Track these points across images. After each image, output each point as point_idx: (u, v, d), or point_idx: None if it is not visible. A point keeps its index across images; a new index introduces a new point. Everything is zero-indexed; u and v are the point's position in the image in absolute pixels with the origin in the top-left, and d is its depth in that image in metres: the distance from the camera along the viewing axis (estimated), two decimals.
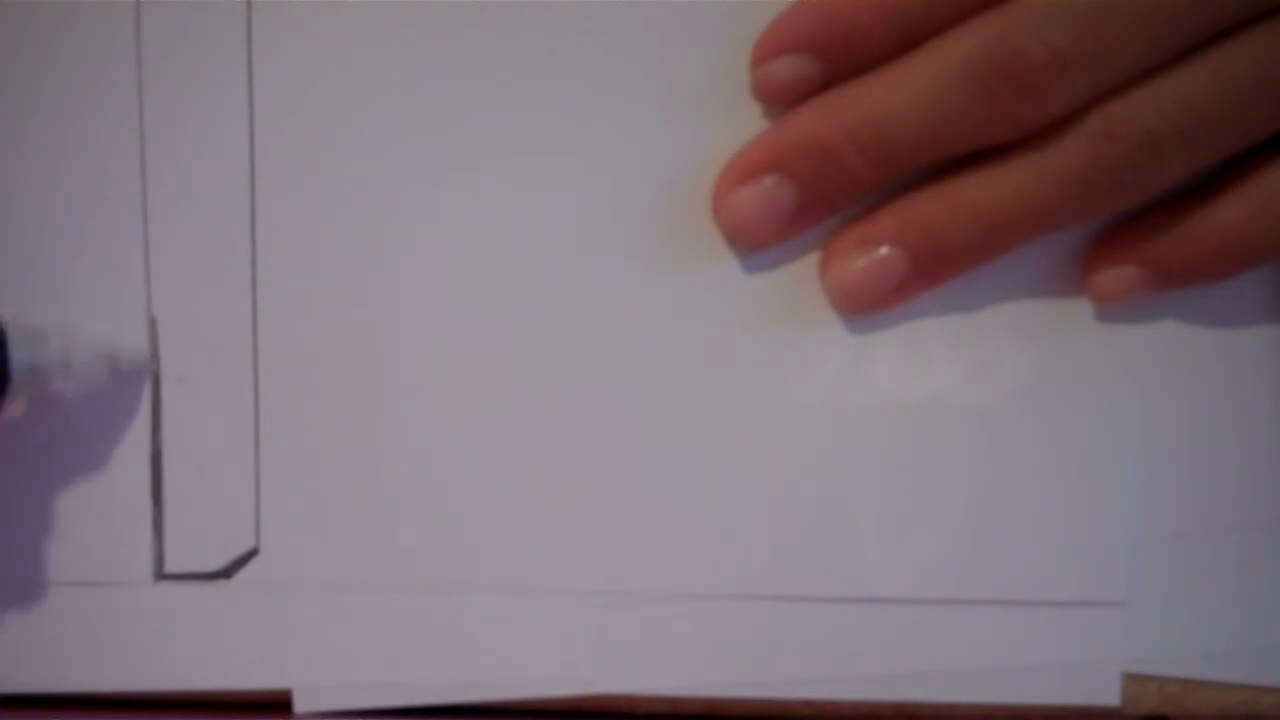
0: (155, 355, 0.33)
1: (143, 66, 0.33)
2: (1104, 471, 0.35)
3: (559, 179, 0.34)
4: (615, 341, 0.34)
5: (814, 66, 0.32)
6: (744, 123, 0.33)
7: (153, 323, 0.34)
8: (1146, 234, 0.34)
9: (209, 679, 0.34)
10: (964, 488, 0.35)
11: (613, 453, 0.34)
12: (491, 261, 0.34)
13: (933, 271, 0.33)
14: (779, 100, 0.33)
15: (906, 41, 0.32)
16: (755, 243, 0.34)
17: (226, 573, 0.34)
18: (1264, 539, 0.36)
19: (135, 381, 0.34)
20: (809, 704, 0.35)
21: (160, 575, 0.34)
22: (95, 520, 0.34)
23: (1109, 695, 0.35)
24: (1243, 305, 0.35)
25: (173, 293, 0.34)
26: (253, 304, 0.34)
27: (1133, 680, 0.36)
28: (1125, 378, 0.35)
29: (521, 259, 0.34)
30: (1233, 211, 0.33)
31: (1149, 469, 0.35)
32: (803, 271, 0.34)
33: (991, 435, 0.35)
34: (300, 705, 0.35)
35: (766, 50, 0.32)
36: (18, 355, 0.31)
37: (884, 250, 0.33)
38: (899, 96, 0.31)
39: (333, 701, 0.35)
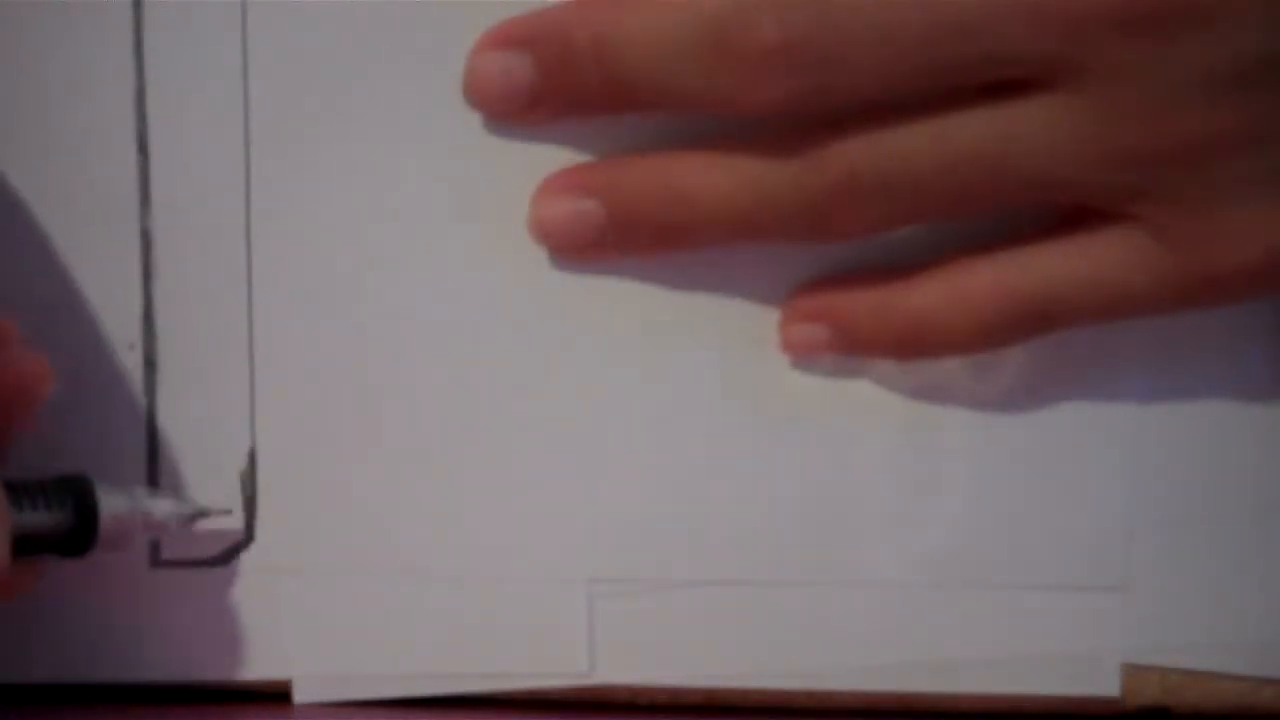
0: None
1: (145, 67, 0.33)
2: (1104, 458, 0.35)
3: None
4: (614, 327, 0.34)
5: None
6: (745, 121, 0.33)
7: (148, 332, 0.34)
8: (843, 298, 0.34)
9: (208, 668, 0.35)
10: (964, 474, 0.35)
11: (611, 439, 0.35)
12: (487, 254, 0.34)
13: (631, 241, 0.33)
14: None
15: None
16: (495, 111, 0.33)
17: (223, 559, 0.34)
18: (1267, 529, 0.35)
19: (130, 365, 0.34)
20: (809, 694, 0.35)
21: (156, 562, 0.34)
22: None
23: (1108, 686, 0.35)
24: None
25: (170, 285, 0.34)
26: (248, 293, 0.34)
27: (1132, 671, 0.35)
28: (1125, 364, 0.35)
29: (517, 250, 0.34)
30: (924, 297, 0.33)
31: (1150, 456, 0.35)
32: (807, 261, 0.34)
33: (992, 422, 0.35)
34: (300, 695, 0.35)
35: None
36: (105, 513, 0.32)
37: (588, 203, 0.33)
38: (643, 24, 0.31)
39: (332, 692, 0.35)
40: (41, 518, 0.31)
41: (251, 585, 0.35)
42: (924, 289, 0.33)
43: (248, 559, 0.34)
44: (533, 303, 0.34)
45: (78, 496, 0.31)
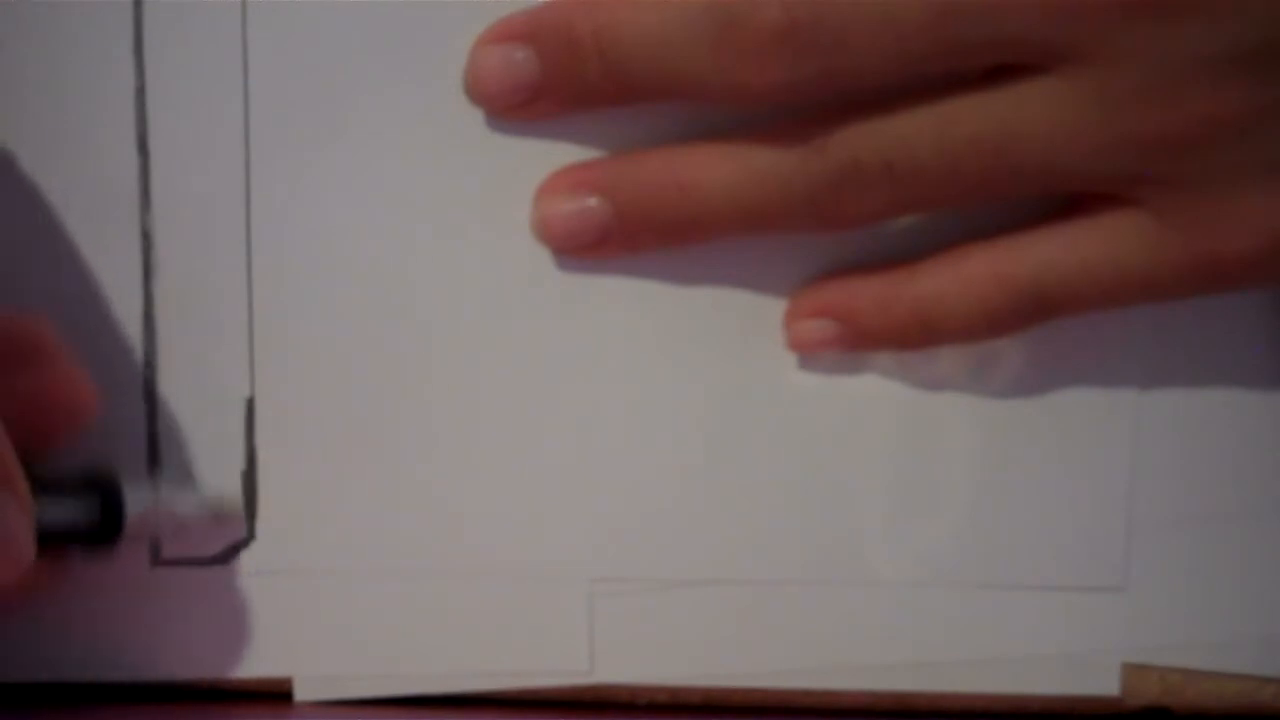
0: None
1: (145, 67, 0.33)
2: (1104, 458, 0.35)
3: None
4: (614, 326, 0.34)
5: None
6: (748, 114, 0.33)
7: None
8: (848, 291, 0.34)
9: (208, 667, 0.35)
10: (964, 474, 0.35)
11: (611, 439, 0.35)
12: (488, 253, 0.34)
13: (637, 237, 0.33)
14: None
15: None
16: (497, 107, 0.33)
17: (223, 558, 0.34)
18: (1267, 527, 0.36)
19: (129, 364, 0.34)
20: (809, 693, 0.36)
21: (156, 561, 0.34)
22: None
23: (1108, 685, 0.35)
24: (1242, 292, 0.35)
25: (170, 285, 0.34)
26: (248, 293, 0.34)
27: (1133, 670, 0.36)
28: (1125, 363, 0.35)
29: (518, 249, 0.34)
30: (926, 285, 0.33)
31: (1150, 456, 0.35)
32: (809, 259, 0.34)
33: (992, 422, 0.35)
34: (301, 693, 0.35)
35: None
36: (131, 507, 0.32)
37: (593, 201, 0.33)
38: (645, 16, 0.31)
39: (333, 690, 0.35)
40: (68, 511, 0.31)
41: (251, 585, 0.35)
42: (925, 277, 0.33)
43: (248, 558, 0.35)
44: (533, 302, 0.34)
45: (103, 491, 0.32)
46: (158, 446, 0.34)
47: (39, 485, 0.30)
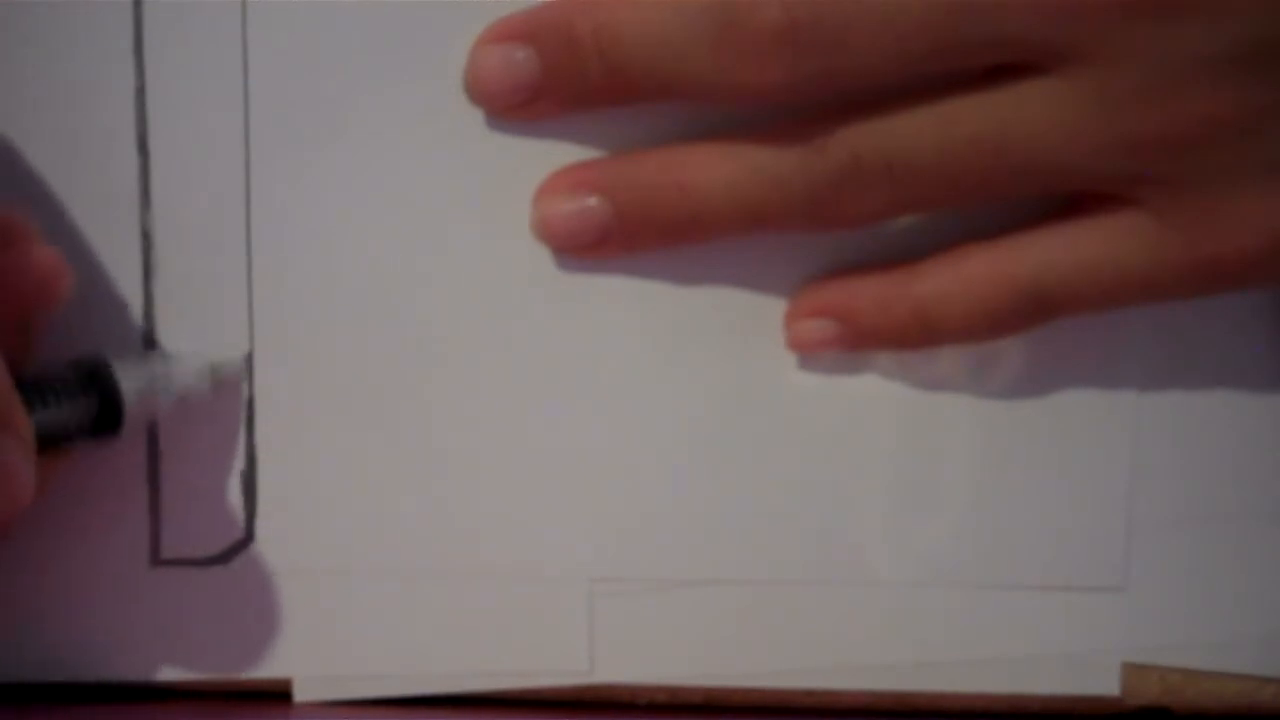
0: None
1: (145, 67, 0.33)
2: (1104, 458, 0.35)
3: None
4: (614, 326, 0.34)
5: None
6: (748, 113, 0.33)
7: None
8: (848, 291, 0.34)
9: (208, 667, 0.35)
10: (965, 474, 0.35)
11: (612, 439, 0.35)
12: (488, 253, 0.34)
13: (637, 237, 0.33)
14: None
15: None
16: (497, 107, 0.33)
17: (223, 558, 0.35)
18: (1267, 528, 0.36)
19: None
20: (809, 693, 0.36)
21: (156, 561, 0.34)
22: (91, 505, 0.34)
23: (1108, 685, 0.35)
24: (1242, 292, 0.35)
25: (170, 285, 0.34)
26: (248, 293, 0.34)
27: (1133, 670, 0.36)
28: (1125, 364, 0.35)
29: (518, 250, 0.34)
30: (927, 285, 0.33)
31: (1150, 456, 0.35)
32: (809, 260, 0.34)
33: (992, 422, 0.35)
34: (300, 694, 0.35)
35: None
36: (128, 389, 0.32)
37: (593, 201, 0.33)
38: (645, 16, 0.31)
39: (333, 691, 0.35)
40: (65, 412, 0.31)
41: (251, 585, 0.35)
42: (925, 277, 0.33)
43: (248, 558, 0.35)
44: (533, 303, 0.34)
45: (99, 380, 0.31)
46: (157, 439, 0.34)
47: (33, 390, 0.30)
